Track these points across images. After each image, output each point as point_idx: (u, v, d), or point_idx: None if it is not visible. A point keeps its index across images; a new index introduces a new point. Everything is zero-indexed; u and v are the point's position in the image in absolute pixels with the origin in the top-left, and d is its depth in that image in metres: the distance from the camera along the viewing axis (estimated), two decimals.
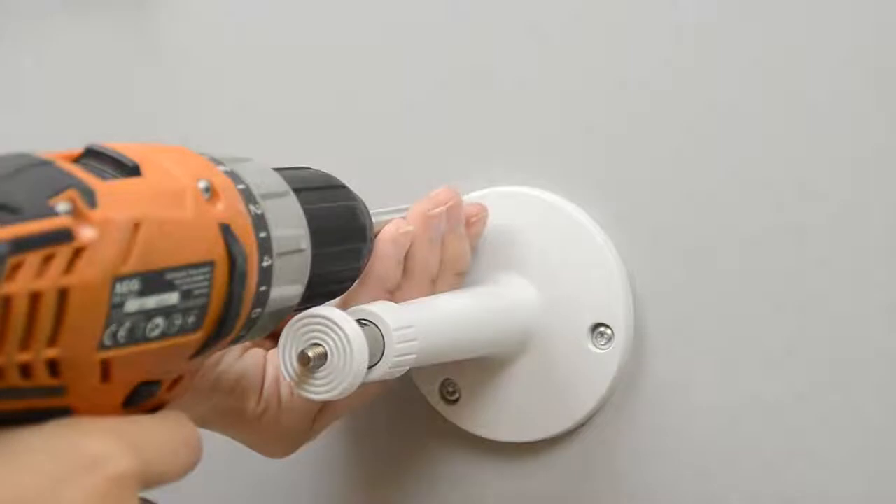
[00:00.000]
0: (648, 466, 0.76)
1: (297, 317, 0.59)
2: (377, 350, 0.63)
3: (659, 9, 0.74)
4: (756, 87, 0.72)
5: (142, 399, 0.50)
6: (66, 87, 0.90)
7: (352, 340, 0.60)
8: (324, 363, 0.60)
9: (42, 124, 0.91)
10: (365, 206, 0.66)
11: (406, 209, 0.72)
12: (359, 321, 0.62)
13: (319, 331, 0.60)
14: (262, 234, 0.54)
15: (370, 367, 0.62)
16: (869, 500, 0.72)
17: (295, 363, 0.60)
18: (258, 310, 0.54)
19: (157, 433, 0.49)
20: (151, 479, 0.47)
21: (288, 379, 0.61)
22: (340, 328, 0.60)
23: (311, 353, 0.60)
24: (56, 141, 0.85)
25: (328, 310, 0.60)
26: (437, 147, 0.80)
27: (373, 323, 0.63)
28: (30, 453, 0.45)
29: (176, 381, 0.52)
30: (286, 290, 0.56)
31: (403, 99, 0.81)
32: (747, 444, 0.74)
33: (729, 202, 0.73)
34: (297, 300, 0.58)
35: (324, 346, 0.60)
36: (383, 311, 0.63)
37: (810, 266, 0.72)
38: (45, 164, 0.46)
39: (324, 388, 0.60)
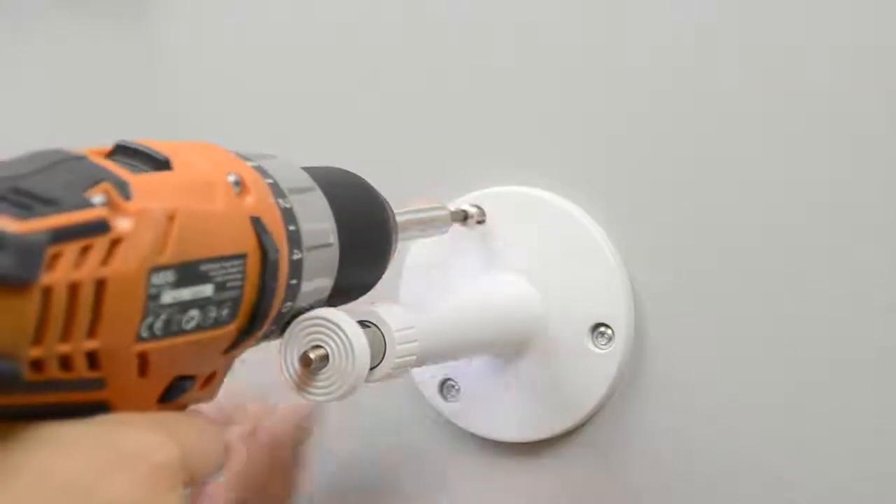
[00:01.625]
0: (648, 466, 0.76)
1: (298, 318, 0.59)
2: (379, 351, 0.62)
3: (659, 9, 0.74)
4: (756, 87, 0.72)
5: (177, 395, 0.50)
6: (66, 87, 0.90)
7: (353, 342, 0.60)
8: (325, 365, 0.60)
9: (42, 124, 0.91)
10: (389, 205, 0.66)
11: (431, 209, 0.73)
12: (360, 322, 0.61)
13: (321, 332, 0.60)
14: (292, 228, 0.55)
15: (372, 369, 0.62)
16: (869, 500, 0.72)
17: (296, 365, 0.60)
18: (289, 303, 0.55)
19: (194, 429, 0.49)
20: (190, 474, 0.48)
21: (289, 381, 0.60)
22: (342, 330, 0.60)
23: (312, 355, 0.59)
24: (57, 141, 0.85)
25: (329, 311, 0.60)
26: (437, 147, 0.80)
27: (374, 324, 0.63)
28: (76, 444, 0.45)
29: (209, 378, 0.53)
30: (316, 283, 0.57)
31: (403, 99, 0.81)
32: (747, 443, 0.74)
33: (729, 202, 0.73)
34: (325, 294, 0.59)
35: (325, 348, 0.60)
36: (384, 312, 0.63)
37: (810, 266, 0.72)
38: (78, 158, 0.47)
39: (325, 390, 0.60)
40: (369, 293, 0.63)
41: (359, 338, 0.60)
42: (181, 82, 0.87)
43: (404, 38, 0.81)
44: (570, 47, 0.76)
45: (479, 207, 0.77)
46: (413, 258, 0.79)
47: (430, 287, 0.78)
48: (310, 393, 0.61)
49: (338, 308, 0.60)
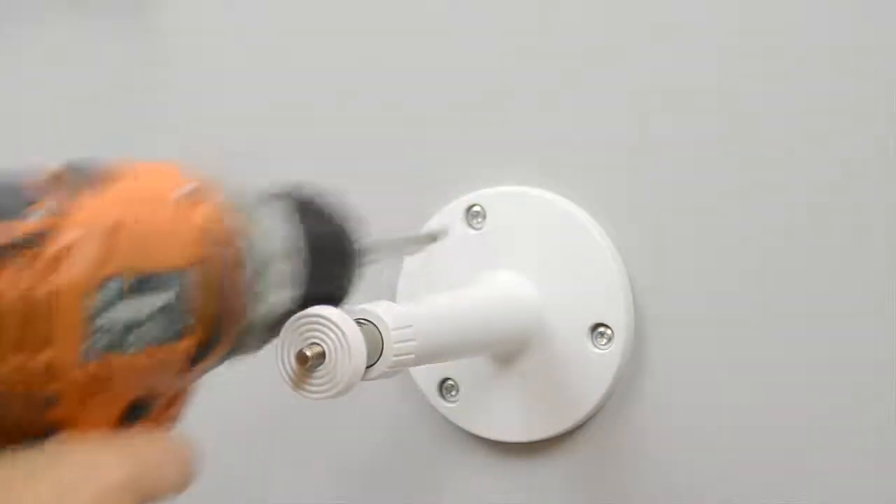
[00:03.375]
0: (648, 467, 0.76)
1: (295, 316, 0.59)
2: (375, 349, 0.62)
3: (660, 9, 0.74)
4: (756, 87, 0.72)
5: (137, 417, 0.49)
6: (65, 87, 0.90)
7: (350, 340, 0.60)
8: (322, 363, 0.60)
9: (42, 125, 0.91)
10: (357, 219, 0.64)
11: (428, 234, 0.74)
12: (357, 320, 0.61)
13: (317, 330, 0.59)
14: (245, 240, 0.53)
15: (368, 367, 0.62)
16: (869, 500, 0.72)
17: (292, 362, 0.60)
18: (250, 316, 0.53)
19: (149, 447, 0.48)
20: (145, 493, 0.47)
21: (285, 379, 0.60)
22: (338, 327, 0.59)
23: (308, 353, 0.59)
24: (57, 142, 0.85)
25: (326, 309, 0.60)
26: (438, 147, 0.80)
27: (371, 322, 0.63)
28: (16, 478, 0.44)
29: (172, 400, 0.51)
30: (275, 296, 0.55)
31: (404, 100, 0.81)
32: (747, 444, 0.74)
33: (729, 202, 0.73)
34: (291, 305, 0.57)
35: (322, 346, 0.59)
36: (382, 309, 0.63)
37: (810, 266, 0.72)
38: (17, 174, 0.46)
39: (322, 388, 0.60)
40: (363, 294, 0.63)
41: (355, 335, 0.60)
42: (181, 82, 0.87)
43: (406, 39, 0.81)
44: (571, 47, 0.76)
45: (480, 207, 0.77)
46: (412, 258, 0.79)
47: (429, 286, 0.78)
48: (306, 391, 0.61)
49: (335, 306, 0.60)
